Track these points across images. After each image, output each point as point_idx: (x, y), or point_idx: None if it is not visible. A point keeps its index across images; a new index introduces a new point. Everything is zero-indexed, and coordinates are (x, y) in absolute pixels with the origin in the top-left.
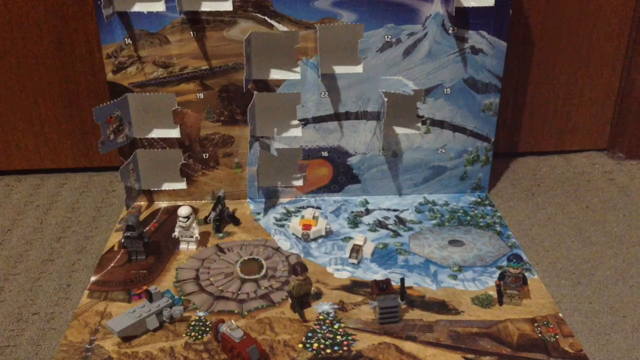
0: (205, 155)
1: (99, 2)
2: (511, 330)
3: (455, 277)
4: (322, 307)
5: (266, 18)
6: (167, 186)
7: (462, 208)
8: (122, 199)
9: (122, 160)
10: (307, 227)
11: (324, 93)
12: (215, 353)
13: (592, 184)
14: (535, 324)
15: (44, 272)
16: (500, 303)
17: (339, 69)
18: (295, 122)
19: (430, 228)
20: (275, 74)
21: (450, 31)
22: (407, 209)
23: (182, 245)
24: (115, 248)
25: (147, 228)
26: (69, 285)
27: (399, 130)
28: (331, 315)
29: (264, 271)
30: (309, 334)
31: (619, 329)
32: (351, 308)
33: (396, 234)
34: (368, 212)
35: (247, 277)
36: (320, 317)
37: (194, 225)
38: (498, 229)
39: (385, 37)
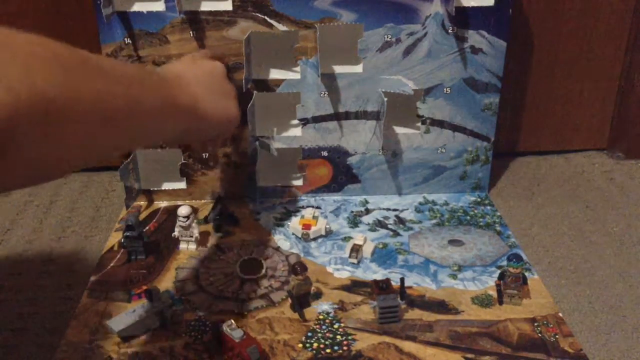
0: (205, 155)
1: (98, 2)
2: (511, 330)
3: (455, 277)
4: (322, 306)
5: (266, 18)
6: (167, 186)
7: (461, 208)
8: (122, 199)
9: (122, 160)
10: (307, 226)
11: (323, 93)
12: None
13: (592, 183)
14: (535, 324)
15: (44, 272)
16: (500, 303)
17: (338, 69)
18: (295, 121)
19: (430, 228)
20: (275, 74)
21: (450, 31)
22: (407, 209)
23: (182, 245)
24: (115, 248)
25: (146, 228)
26: (69, 285)
27: (399, 130)
28: (331, 315)
29: (264, 271)
30: (309, 334)
31: (619, 328)
32: (351, 308)
33: (396, 234)
34: (368, 211)
35: (247, 276)
36: (320, 316)
37: (194, 225)
38: (498, 228)
39: (385, 36)
